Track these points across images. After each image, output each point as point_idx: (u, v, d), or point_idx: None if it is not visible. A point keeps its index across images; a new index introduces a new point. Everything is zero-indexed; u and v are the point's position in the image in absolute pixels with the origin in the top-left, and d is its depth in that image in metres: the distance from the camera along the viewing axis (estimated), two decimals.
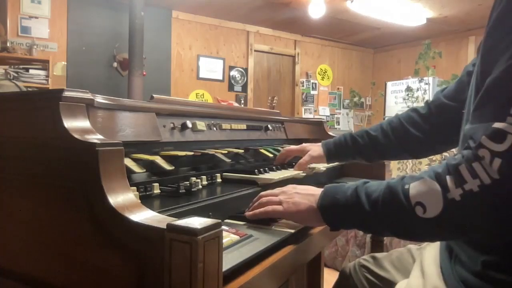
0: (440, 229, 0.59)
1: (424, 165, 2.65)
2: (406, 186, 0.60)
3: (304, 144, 1.25)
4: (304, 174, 1.15)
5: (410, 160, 2.72)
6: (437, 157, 2.52)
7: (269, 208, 0.75)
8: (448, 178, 0.56)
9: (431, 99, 1.07)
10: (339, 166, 1.46)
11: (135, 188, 0.71)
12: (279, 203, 0.75)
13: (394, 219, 0.62)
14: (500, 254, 0.60)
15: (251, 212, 0.76)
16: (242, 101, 6.22)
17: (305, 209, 0.72)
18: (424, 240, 0.78)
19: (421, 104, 1.08)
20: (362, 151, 1.14)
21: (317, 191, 0.73)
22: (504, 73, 0.55)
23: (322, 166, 1.27)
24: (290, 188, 0.78)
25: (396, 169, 2.89)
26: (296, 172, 1.11)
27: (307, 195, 0.73)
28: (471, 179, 0.54)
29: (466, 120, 0.69)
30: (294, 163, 1.20)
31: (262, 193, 0.80)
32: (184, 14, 5.69)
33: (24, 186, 0.64)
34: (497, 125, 0.53)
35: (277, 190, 0.79)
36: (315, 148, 1.20)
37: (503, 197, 0.53)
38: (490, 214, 0.55)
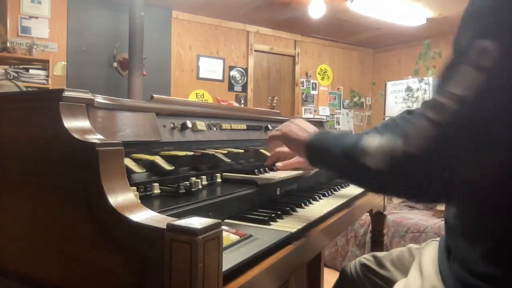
0: (391, 180, 0.66)
1: None
2: (364, 140, 0.66)
3: None
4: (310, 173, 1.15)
5: None
6: None
7: (277, 133, 0.91)
8: (403, 133, 0.61)
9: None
10: None
11: (135, 188, 0.71)
12: (286, 128, 0.89)
13: (353, 168, 0.70)
14: (497, 253, 0.60)
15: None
16: (242, 101, 6.22)
17: (300, 143, 0.84)
18: (379, 191, 0.92)
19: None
20: None
21: (313, 130, 0.86)
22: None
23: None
24: (298, 121, 0.90)
25: None
26: (296, 172, 1.11)
27: (306, 131, 0.85)
28: (416, 141, 0.59)
29: None
30: None
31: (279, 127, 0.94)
32: (184, 14, 5.69)
33: (24, 186, 0.64)
34: (438, 98, 0.59)
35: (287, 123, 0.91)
36: None
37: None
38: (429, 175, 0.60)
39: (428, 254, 0.80)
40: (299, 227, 0.76)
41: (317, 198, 1.07)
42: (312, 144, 0.81)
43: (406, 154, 0.59)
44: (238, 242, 0.63)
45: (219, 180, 1.00)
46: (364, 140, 0.66)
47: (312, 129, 0.86)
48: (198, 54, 5.88)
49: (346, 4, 5.12)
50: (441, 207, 2.77)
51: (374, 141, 0.65)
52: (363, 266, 1.03)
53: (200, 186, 0.88)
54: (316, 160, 0.83)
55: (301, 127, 0.87)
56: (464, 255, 0.66)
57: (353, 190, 1.27)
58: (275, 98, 4.93)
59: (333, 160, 0.75)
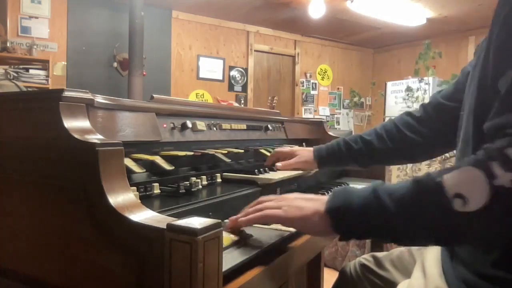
0: (486, 224, 0.52)
1: (424, 165, 2.65)
2: (438, 179, 0.53)
3: (295, 148, 1.22)
4: (310, 173, 1.14)
5: None
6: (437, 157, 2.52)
7: (268, 211, 0.65)
8: (493, 163, 0.50)
9: (426, 102, 1.06)
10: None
11: (135, 188, 0.71)
12: (279, 207, 0.66)
13: (427, 218, 0.54)
14: (500, 252, 0.60)
15: (244, 219, 0.66)
16: (242, 101, 6.22)
17: (311, 214, 0.62)
18: (468, 241, 0.60)
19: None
20: (356, 156, 1.10)
21: (322, 197, 0.65)
22: None
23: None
24: (291, 194, 0.70)
25: (396, 168, 2.89)
26: (295, 172, 1.11)
27: (312, 200, 0.65)
28: None
29: (467, 121, 0.68)
30: None
31: (260, 199, 0.72)
32: (184, 14, 5.69)
33: (24, 186, 0.64)
34: None
35: (276, 196, 0.72)
36: (304, 153, 1.16)
37: None
38: None
39: (430, 255, 0.80)
40: None
41: None
42: (338, 210, 0.60)
43: None
44: (238, 242, 0.63)
45: (219, 180, 1.00)
46: (436, 180, 0.53)
47: (320, 196, 0.66)
48: (198, 54, 5.88)
49: (346, 4, 5.12)
50: None
51: (459, 177, 0.52)
52: (363, 266, 1.02)
53: (200, 186, 0.88)
54: (352, 231, 0.60)
55: (307, 198, 0.66)
56: (467, 256, 0.66)
57: None
58: (275, 98, 4.93)
59: (389, 217, 0.56)
